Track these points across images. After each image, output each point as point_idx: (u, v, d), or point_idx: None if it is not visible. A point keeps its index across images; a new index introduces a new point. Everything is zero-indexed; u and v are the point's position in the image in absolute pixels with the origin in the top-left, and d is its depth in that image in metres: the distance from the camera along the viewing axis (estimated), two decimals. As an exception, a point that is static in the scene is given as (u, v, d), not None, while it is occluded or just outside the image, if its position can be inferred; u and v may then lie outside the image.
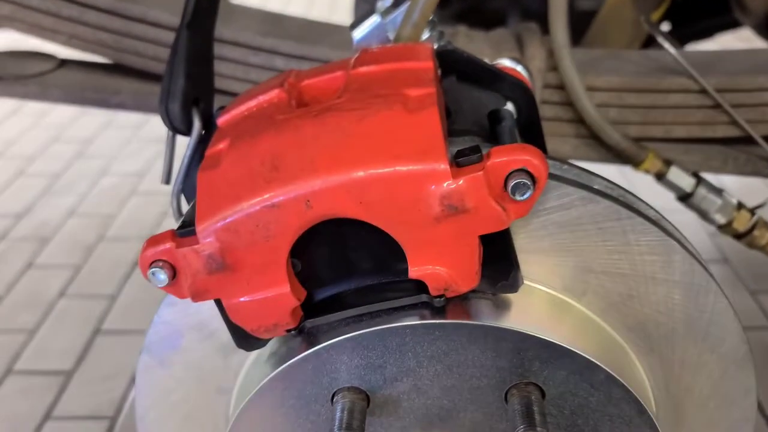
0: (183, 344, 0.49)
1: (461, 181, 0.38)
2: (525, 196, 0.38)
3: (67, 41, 0.71)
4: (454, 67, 0.46)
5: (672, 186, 0.68)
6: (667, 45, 0.65)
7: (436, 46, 0.52)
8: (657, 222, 0.45)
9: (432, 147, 0.38)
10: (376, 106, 0.40)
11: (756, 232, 0.69)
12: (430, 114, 0.40)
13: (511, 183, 0.38)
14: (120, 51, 0.70)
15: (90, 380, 1.36)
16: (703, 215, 0.69)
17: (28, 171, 2.13)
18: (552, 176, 0.43)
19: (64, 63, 0.77)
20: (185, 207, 0.49)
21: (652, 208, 0.47)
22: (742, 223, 0.68)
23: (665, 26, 1.17)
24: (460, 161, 0.39)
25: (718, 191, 0.68)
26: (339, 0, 3.43)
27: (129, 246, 1.78)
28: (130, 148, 2.19)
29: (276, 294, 0.41)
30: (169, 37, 0.69)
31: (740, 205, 0.69)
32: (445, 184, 0.38)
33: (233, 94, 0.69)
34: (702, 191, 0.67)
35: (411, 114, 0.40)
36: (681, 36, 1.33)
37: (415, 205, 0.38)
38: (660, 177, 0.68)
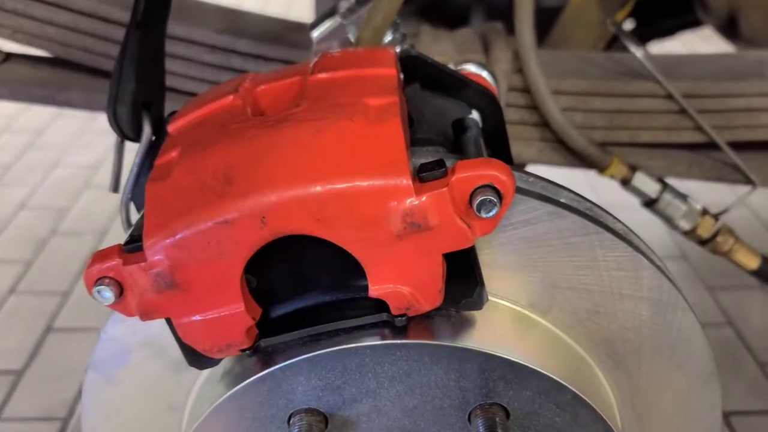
0: (132, 361, 0.47)
1: (424, 198, 0.36)
2: (491, 214, 0.37)
3: (11, 35, 0.67)
4: (417, 73, 0.44)
5: (637, 192, 0.67)
6: (633, 48, 0.64)
7: (398, 50, 0.50)
8: (625, 236, 0.44)
9: (394, 161, 0.37)
10: (335, 116, 0.38)
11: (719, 238, 0.69)
12: (392, 125, 0.38)
13: (477, 200, 0.36)
14: (68, 46, 0.66)
15: (41, 380, 1.32)
16: (668, 221, 0.68)
17: (-24, 162, 2.06)
18: (518, 190, 0.41)
19: (8, 57, 0.73)
20: (134, 216, 0.47)
21: (619, 221, 0.45)
22: (706, 229, 0.68)
23: (628, 24, 1.16)
24: (423, 176, 0.37)
25: (683, 197, 0.68)
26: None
27: (82, 241, 1.73)
28: (84, 140, 2.13)
29: (229, 313, 0.39)
30: (120, 33, 0.65)
31: (704, 211, 0.68)
32: (407, 201, 0.36)
33: (187, 94, 0.67)
34: (667, 197, 0.67)
35: (372, 125, 0.38)
36: (644, 34, 1.33)
37: (375, 222, 0.37)
38: (625, 183, 0.67)
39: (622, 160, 0.66)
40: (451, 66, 0.48)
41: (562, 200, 0.43)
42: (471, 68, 0.48)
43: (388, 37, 0.50)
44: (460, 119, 0.44)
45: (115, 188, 0.48)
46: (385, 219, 0.36)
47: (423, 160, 0.41)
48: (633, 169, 0.66)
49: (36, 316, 1.50)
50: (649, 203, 0.68)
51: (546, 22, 0.92)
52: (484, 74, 0.48)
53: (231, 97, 0.43)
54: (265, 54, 0.64)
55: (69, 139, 2.15)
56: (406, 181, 0.36)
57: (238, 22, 0.66)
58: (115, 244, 0.40)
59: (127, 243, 0.39)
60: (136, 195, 0.47)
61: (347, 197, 0.36)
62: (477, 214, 0.37)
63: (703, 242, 0.70)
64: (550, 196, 0.43)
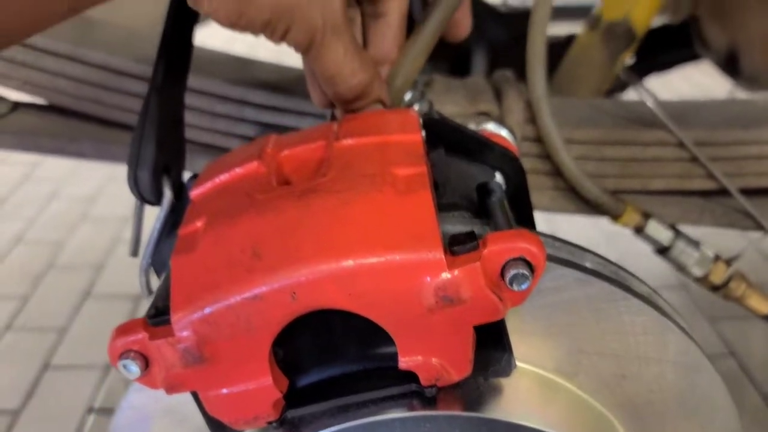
0: (153, 429, 0.46)
1: (457, 272, 0.36)
2: (523, 287, 0.36)
3: (21, 86, 0.67)
4: (440, 136, 0.44)
5: (650, 239, 0.67)
6: (645, 96, 0.64)
7: (420, 112, 0.50)
8: (650, 299, 0.44)
9: (426, 234, 0.36)
10: (363, 187, 0.38)
11: (732, 284, 0.69)
12: (422, 197, 0.37)
13: (509, 273, 0.36)
14: (79, 98, 0.66)
15: (39, 420, 1.30)
16: (681, 268, 0.68)
17: (-29, 195, 2.05)
18: (547, 257, 0.41)
19: (17, 106, 0.73)
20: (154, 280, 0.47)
21: (644, 283, 0.45)
22: (718, 275, 0.68)
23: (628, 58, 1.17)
24: (455, 249, 0.36)
25: (696, 244, 0.68)
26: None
27: (80, 275, 1.71)
28: (80, 171, 2.12)
29: (257, 386, 0.38)
30: (132, 84, 0.65)
31: (717, 258, 0.68)
32: (440, 276, 0.36)
33: (199, 144, 0.66)
34: (680, 245, 0.67)
35: (402, 197, 0.37)
36: (644, 68, 1.34)
37: (408, 297, 0.36)
38: (639, 231, 0.67)
39: (635, 208, 0.66)
40: (472, 126, 0.48)
41: (588, 264, 0.43)
42: (490, 127, 0.48)
43: (407, 95, 0.50)
44: (484, 183, 0.44)
45: (135, 252, 0.47)
46: (418, 293, 0.36)
47: (451, 227, 0.41)
48: (646, 216, 0.66)
49: (33, 353, 1.49)
50: (662, 251, 0.68)
51: (550, 56, 0.92)
52: (504, 133, 0.48)
53: (255, 163, 0.42)
54: (278, 105, 0.63)
55: (65, 172, 2.15)
56: (439, 256, 0.35)
57: (250, 72, 0.66)
58: (138, 317, 0.39)
59: (152, 316, 0.38)
60: (156, 260, 0.46)
61: (380, 272, 0.36)
62: (509, 287, 0.36)
63: (715, 288, 0.70)
64: (576, 261, 0.43)
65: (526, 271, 0.36)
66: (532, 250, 0.36)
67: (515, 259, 0.36)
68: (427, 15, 0.47)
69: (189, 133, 0.62)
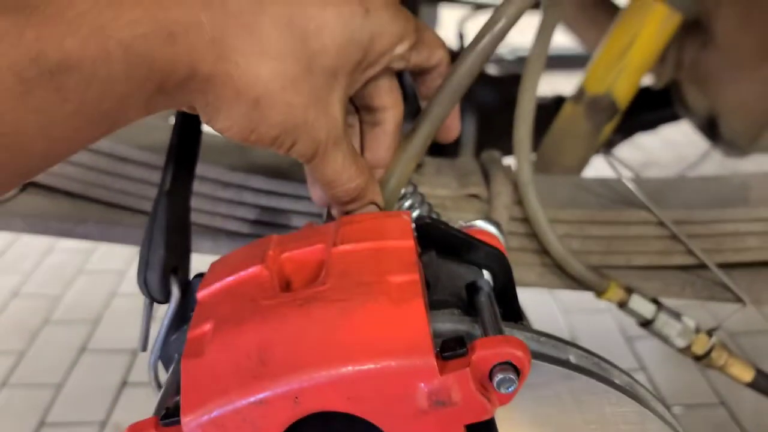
0: None
1: (448, 377, 0.39)
2: (510, 390, 0.39)
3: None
4: (432, 239, 0.47)
5: (633, 313, 0.70)
6: (625, 180, 0.68)
7: (413, 209, 0.53)
8: (631, 389, 0.47)
9: (419, 342, 0.39)
10: (360, 297, 0.41)
11: (713, 354, 0.72)
12: (415, 306, 0.40)
13: (497, 377, 0.39)
14: (86, 184, 0.69)
15: (35, 479, 1.30)
16: (664, 340, 0.71)
17: (-33, 250, 2.06)
18: (532, 354, 0.44)
19: (25, 188, 0.76)
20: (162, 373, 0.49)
21: (624, 373, 0.48)
22: (700, 346, 0.71)
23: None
24: (446, 355, 0.39)
25: (678, 316, 0.71)
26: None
27: (76, 329, 1.73)
28: (78, 223, 2.15)
29: (260, 485, 0.41)
30: (137, 171, 0.68)
31: (698, 329, 0.71)
32: (433, 381, 0.38)
33: (201, 226, 0.69)
34: (663, 317, 0.70)
35: (396, 306, 0.40)
36: (626, 128, 1.39)
37: (402, 400, 0.39)
38: (622, 305, 0.70)
39: (619, 283, 0.69)
40: (461, 223, 0.51)
41: (572, 358, 0.46)
42: (479, 224, 0.51)
43: (401, 192, 0.53)
44: (473, 282, 0.47)
45: (144, 347, 0.50)
46: (412, 397, 0.39)
47: (441, 324, 0.44)
48: (629, 291, 0.69)
49: (28, 410, 1.49)
50: (646, 323, 0.71)
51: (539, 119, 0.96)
52: (492, 229, 0.51)
53: (258, 267, 0.45)
54: (275, 189, 0.67)
55: (62, 225, 2.17)
56: (431, 362, 0.38)
57: (250, 158, 0.69)
58: (149, 417, 0.41)
59: (163, 417, 0.41)
60: (164, 354, 0.49)
61: (376, 377, 0.38)
62: (496, 389, 0.39)
63: (698, 358, 0.72)
64: (560, 356, 0.45)
65: (512, 375, 0.39)
66: (518, 355, 0.39)
67: (502, 363, 0.39)
68: (419, 121, 0.50)
69: (192, 216, 0.65)
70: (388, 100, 0.49)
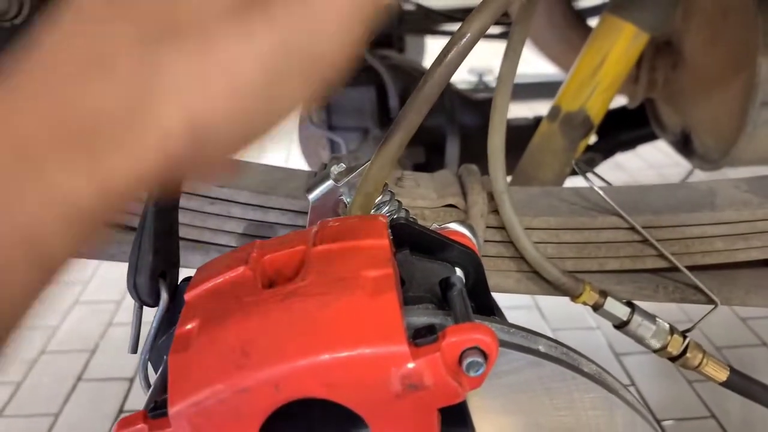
0: None
1: (419, 362, 0.41)
2: (478, 373, 0.42)
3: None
4: (406, 238, 0.50)
5: (609, 316, 0.73)
6: (596, 187, 0.71)
7: (390, 214, 0.56)
8: (598, 377, 0.49)
9: (392, 330, 0.42)
10: (338, 291, 0.44)
11: (689, 354, 0.74)
12: (388, 297, 0.43)
13: (466, 361, 0.41)
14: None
15: None
16: (639, 341, 0.73)
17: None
18: (502, 342, 0.46)
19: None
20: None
21: (592, 362, 0.51)
22: (675, 346, 0.73)
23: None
24: (418, 342, 0.42)
25: (652, 317, 0.73)
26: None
27: (72, 359, 1.74)
28: (72, 256, 2.16)
29: (243, 470, 0.43)
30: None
31: (672, 330, 0.74)
32: (405, 366, 0.41)
33: (190, 240, 0.72)
34: (637, 319, 0.72)
35: (371, 298, 0.43)
36: (605, 147, 1.43)
37: (377, 385, 0.41)
38: (597, 308, 0.72)
39: (593, 287, 0.72)
40: (436, 226, 0.54)
41: (541, 348, 0.49)
42: (453, 226, 0.54)
43: (378, 198, 0.56)
44: (446, 278, 0.50)
45: (134, 349, 0.52)
46: (386, 382, 0.41)
47: (416, 318, 0.47)
48: (604, 295, 0.72)
49: (26, 440, 1.50)
50: (620, 325, 0.73)
51: (515, 139, 1.00)
52: (466, 231, 0.53)
53: (242, 268, 0.48)
54: (263, 204, 0.70)
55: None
56: (404, 348, 0.41)
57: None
58: (138, 411, 0.44)
59: (152, 409, 0.43)
60: (153, 355, 0.51)
61: (352, 364, 0.41)
62: (466, 373, 0.41)
63: (673, 358, 0.75)
64: (529, 345, 0.48)
65: (480, 359, 0.41)
66: (486, 340, 0.42)
67: (471, 348, 0.42)
68: (393, 128, 0.53)
69: (182, 231, 0.68)
70: None
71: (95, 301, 1.96)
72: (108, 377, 1.68)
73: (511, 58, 0.69)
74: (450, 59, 0.51)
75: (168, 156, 0.29)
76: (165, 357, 0.50)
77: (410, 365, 0.41)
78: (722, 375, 0.76)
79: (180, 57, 0.28)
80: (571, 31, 1.33)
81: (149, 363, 0.52)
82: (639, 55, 0.96)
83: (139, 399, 1.55)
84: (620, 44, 0.94)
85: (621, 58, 0.94)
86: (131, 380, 1.67)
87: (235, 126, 0.30)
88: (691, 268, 0.73)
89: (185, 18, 0.29)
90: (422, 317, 0.48)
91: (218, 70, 0.29)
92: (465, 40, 0.51)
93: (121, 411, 1.58)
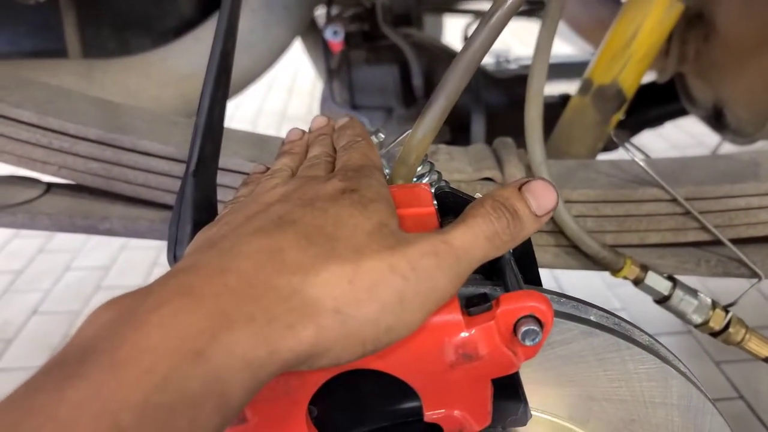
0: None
1: (474, 331, 0.40)
2: (534, 341, 0.40)
3: (57, 172, 0.71)
4: (452, 207, 0.49)
5: (650, 290, 0.71)
6: (637, 158, 0.69)
7: (432, 185, 0.55)
8: (652, 348, 0.48)
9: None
10: (387, 258, 0.42)
11: (731, 329, 0.72)
12: (439, 265, 0.42)
13: (521, 330, 0.40)
14: (110, 179, 0.71)
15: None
16: (681, 316, 0.72)
17: (-13, 269, 2.08)
18: (554, 313, 0.45)
19: (49, 188, 0.78)
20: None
21: (645, 333, 0.49)
22: (717, 321, 0.72)
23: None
24: (471, 311, 0.40)
25: (694, 292, 0.72)
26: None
27: (95, 344, 1.74)
28: (94, 242, 2.17)
29: (295, 442, 0.42)
30: (159, 164, 0.70)
31: (714, 305, 0.72)
32: (459, 335, 0.40)
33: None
34: (679, 294, 0.70)
35: (422, 266, 0.42)
36: (634, 124, 1.40)
37: (431, 355, 0.40)
38: (638, 282, 0.71)
39: (634, 261, 0.70)
40: (479, 195, 0.52)
41: (592, 318, 0.47)
42: (496, 195, 0.52)
43: (419, 168, 0.55)
44: (493, 247, 0.48)
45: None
46: (440, 352, 0.40)
47: (464, 288, 0.45)
48: (644, 269, 0.70)
49: (52, 424, 1.50)
50: (662, 300, 0.72)
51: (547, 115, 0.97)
52: (510, 200, 0.52)
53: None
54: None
55: (78, 242, 2.19)
56: (458, 317, 0.39)
57: (266, 148, 0.71)
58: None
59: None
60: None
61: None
62: (521, 342, 0.40)
63: (715, 334, 0.73)
64: (581, 315, 0.47)
65: (536, 327, 0.40)
66: (541, 308, 0.40)
67: (526, 317, 0.40)
68: (434, 96, 0.52)
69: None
70: None
71: (117, 286, 1.96)
72: (131, 361, 1.68)
73: (548, 26, 0.67)
74: (494, 21, 0.50)
75: (318, 340, 0.34)
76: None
77: (464, 334, 0.40)
78: (765, 350, 0.75)
79: (335, 266, 0.35)
80: (602, 6, 1.31)
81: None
82: (673, 26, 0.94)
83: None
84: (654, 14, 0.92)
85: (655, 29, 0.92)
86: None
87: (368, 328, 0.36)
88: (734, 241, 0.71)
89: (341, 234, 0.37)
90: (470, 287, 0.46)
91: (365, 281, 0.36)
92: (510, 1, 0.49)
93: (145, 395, 1.58)
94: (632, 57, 0.93)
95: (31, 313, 1.86)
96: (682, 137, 2.79)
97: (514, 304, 0.40)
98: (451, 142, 1.29)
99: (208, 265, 0.35)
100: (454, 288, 0.39)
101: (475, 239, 0.40)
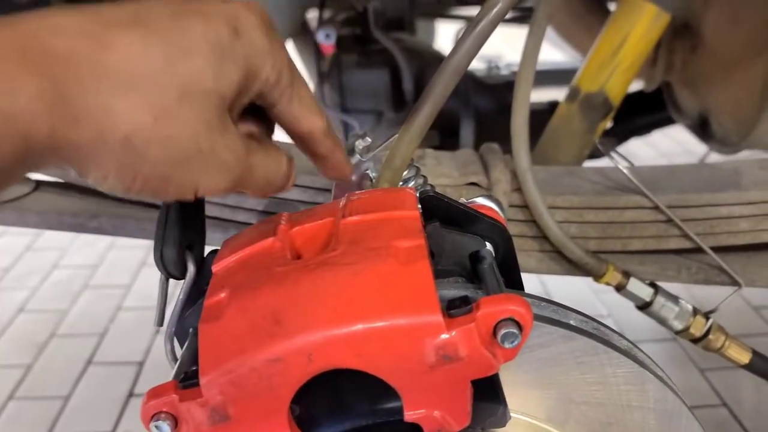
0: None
1: (454, 333, 0.40)
2: (513, 344, 0.41)
3: (50, 170, 0.72)
4: (435, 211, 0.49)
5: (632, 296, 0.72)
6: (621, 166, 0.70)
7: (417, 189, 0.56)
8: (629, 352, 0.49)
9: (426, 300, 0.41)
10: (369, 259, 0.43)
11: (711, 336, 0.73)
12: (421, 267, 0.42)
13: (501, 332, 0.41)
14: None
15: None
16: (662, 322, 0.73)
17: (-25, 267, 2.08)
18: (534, 316, 0.46)
19: (38, 185, 0.78)
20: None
21: (624, 338, 0.50)
22: (698, 328, 0.73)
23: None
24: (452, 312, 0.41)
25: (675, 299, 0.73)
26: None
27: (82, 342, 1.74)
28: (82, 240, 2.17)
29: (275, 440, 0.42)
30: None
31: (695, 311, 0.73)
32: (440, 336, 0.40)
33: (210, 218, 0.72)
34: (660, 300, 0.71)
35: (404, 267, 0.42)
36: (621, 132, 1.42)
37: (411, 356, 0.41)
38: (620, 288, 0.72)
39: (617, 267, 0.71)
40: (463, 199, 0.53)
41: (572, 322, 0.48)
42: (480, 200, 0.53)
43: (404, 173, 0.56)
44: (475, 251, 0.49)
45: (161, 322, 0.52)
46: (420, 352, 0.41)
47: (447, 291, 0.46)
48: (627, 275, 0.71)
49: (36, 422, 1.51)
50: (643, 306, 0.73)
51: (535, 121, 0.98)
52: (493, 206, 0.53)
53: (270, 239, 0.47)
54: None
55: (67, 241, 2.19)
56: (439, 319, 0.40)
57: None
58: (168, 381, 0.43)
59: (182, 380, 0.43)
60: (179, 328, 0.51)
61: (386, 334, 0.40)
62: (501, 344, 0.41)
63: (695, 340, 0.74)
64: (561, 319, 0.47)
65: (515, 330, 0.41)
66: (521, 311, 0.41)
67: (505, 320, 0.41)
68: (421, 100, 0.53)
69: (209, 210, 0.67)
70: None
71: (104, 285, 1.96)
72: (118, 361, 1.68)
73: (535, 34, 0.68)
74: (481, 29, 0.51)
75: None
76: (191, 330, 0.49)
77: (445, 336, 0.40)
78: (745, 357, 0.76)
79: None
80: (592, 18, 1.32)
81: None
82: (660, 35, 0.95)
83: (148, 383, 1.55)
84: (641, 24, 0.93)
85: (642, 39, 0.93)
86: (141, 364, 1.67)
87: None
88: (715, 249, 0.72)
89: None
90: (452, 291, 0.47)
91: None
92: (497, 9, 0.50)
93: (130, 394, 1.58)
94: (619, 65, 0.94)
95: (17, 311, 1.86)
96: (670, 145, 2.81)
97: (494, 307, 0.41)
98: (440, 147, 1.30)
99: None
100: None
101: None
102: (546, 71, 2.76)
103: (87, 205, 0.74)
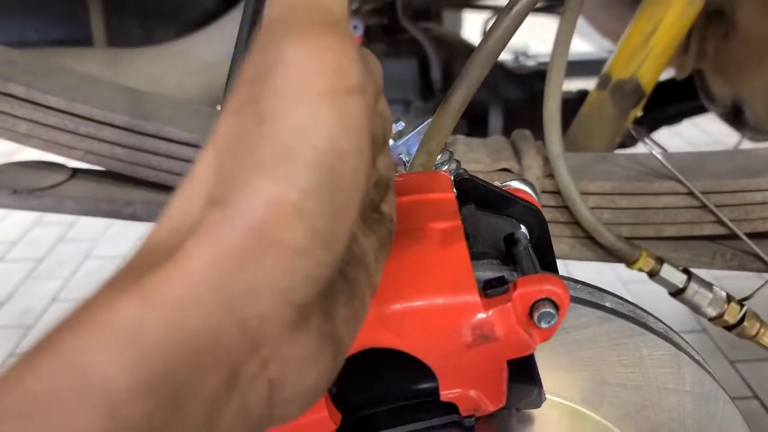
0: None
1: (491, 312, 0.41)
2: (550, 324, 0.41)
3: (83, 156, 0.73)
4: (470, 193, 0.50)
5: (665, 282, 0.72)
6: (655, 152, 0.70)
7: (451, 173, 0.56)
8: (666, 335, 0.49)
9: (463, 280, 0.41)
10: (407, 242, 0.43)
11: (746, 323, 0.73)
12: (458, 248, 0.43)
13: (537, 312, 0.41)
14: (134, 164, 0.73)
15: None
16: (695, 309, 0.72)
17: (8, 256, 2.12)
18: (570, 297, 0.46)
19: (75, 173, 0.79)
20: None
21: (660, 320, 0.50)
22: (732, 315, 0.72)
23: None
24: (488, 292, 0.41)
25: (709, 285, 0.72)
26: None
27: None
28: (113, 230, 2.19)
29: (313, 420, 0.43)
30: (181, 150, 0.72)
31: (729, 298, 0.72)
32: (477, 316, 0.41)
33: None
34: (694, 286, 0.71)
35: (441, 248, 0.43)
36: (652, 121, 1.40)
37: (448, 336, 0.41)
38: (653, 275, 0.71)
39: (650, 253, 0.71)
40: (497, 183, 0.53)
41: (608, 304, 0.48)
42: (514, 184, 0.53)
43: (438, 157, 0.56)
44: (510, 234, 0.49)
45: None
46: (457, 332, 0.41)
47: (482, 273, 0.46)
48: (660, 261, 0.71)
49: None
50: (677, 293, 0.72)
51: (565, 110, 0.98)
52: (527, 189, 0.53)
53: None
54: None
55: (98, 231, 2.21)
56: (476, 299, 0.41)
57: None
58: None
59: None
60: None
61: (423, 314, 0.41)
62: (537, 324, 0.41)
63: (729, 327, 0.74)
64: (597, 301, 0.47)
65: (552, 310, 0.41)
66: (557, 291, 0.41)
67: (542, 300, 0.41)
68: (456, 84, 0.53)
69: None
70: None
71: (106, 256, 1.99)
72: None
73: (568, 20, 0.68)
74: (515, 12, 0.51)
75: None
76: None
77: (482, 315, 0.40)
78: (780, 345, 0.75)
79: None
80: (623, 7, 1.31)
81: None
82: (692, 22, 0.94)
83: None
84: (674, 10, 0.92)
85: (674, 25, 0.92)
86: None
87: None
88: (750, 236, 0.72)
89: None
90: (488, 272, 0.47)
91: None
92: (532, -8, 0.50)
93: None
94: (651, 52, 0.93)
95: (51, 301, 1.89)
96: (699, 135, 2.78)
97: (531, 287, 0.41)
98: (468, 135, 1.30)
99: None
100: None
101: None
102: (572, 62, 2.75)
103: (122, 191, 0.75)
